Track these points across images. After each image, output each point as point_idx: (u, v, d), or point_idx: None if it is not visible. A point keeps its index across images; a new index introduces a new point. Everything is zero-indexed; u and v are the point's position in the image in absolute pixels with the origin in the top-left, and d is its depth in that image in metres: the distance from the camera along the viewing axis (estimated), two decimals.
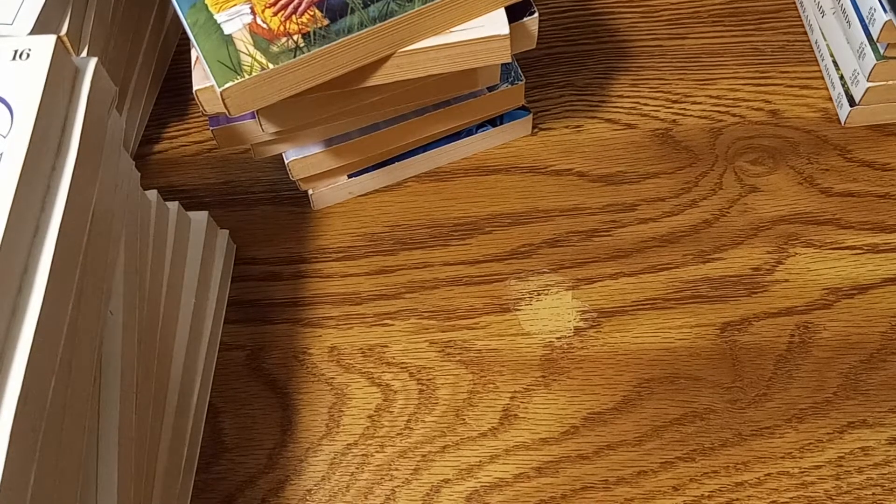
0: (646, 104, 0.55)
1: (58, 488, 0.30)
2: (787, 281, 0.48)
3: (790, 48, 0.57)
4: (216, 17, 0.40)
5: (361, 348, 0.47)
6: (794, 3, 0.58)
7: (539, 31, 0.45)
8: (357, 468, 0.44)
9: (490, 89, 0.50)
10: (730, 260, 0.48)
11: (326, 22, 0.40)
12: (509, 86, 0.51)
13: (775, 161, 0.52)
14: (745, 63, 0.56)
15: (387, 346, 0.47)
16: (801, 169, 0.51)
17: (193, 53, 0.42)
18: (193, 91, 0.42)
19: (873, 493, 0.41)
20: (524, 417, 0.44)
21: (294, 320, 0.49)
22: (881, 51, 0.49)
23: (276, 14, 0.40)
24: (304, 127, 0.46)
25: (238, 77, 0.39)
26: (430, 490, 0.43)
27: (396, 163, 0.52)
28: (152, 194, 0.43)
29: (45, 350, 0.30)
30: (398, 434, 0.44)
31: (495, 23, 0.42)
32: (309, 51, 0.39)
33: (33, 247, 0.31)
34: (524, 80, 0.51)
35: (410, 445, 0.44)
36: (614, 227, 0.50)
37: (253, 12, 0.40)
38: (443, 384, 0.46)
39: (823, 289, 0.47)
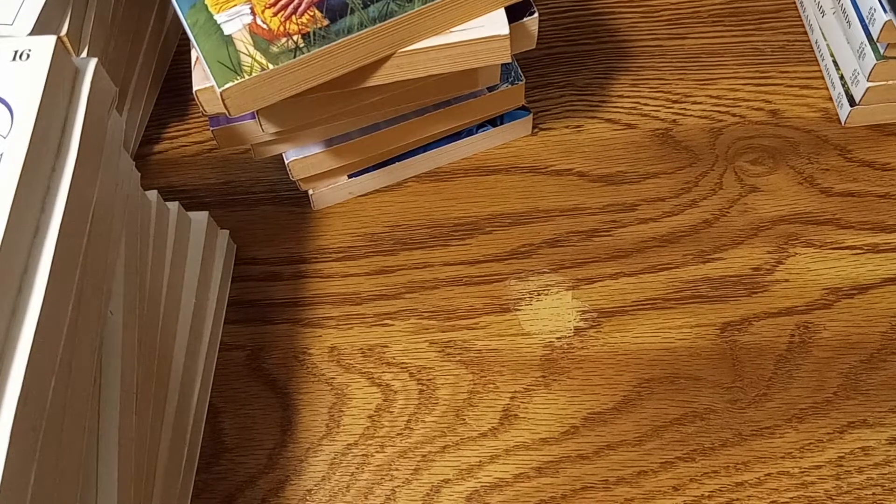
0: (646, 104, 0.55)
1: (58, 488, 0.30)
2: (787, 281, 0.48)
3: (790, 48, 0.57)
4: (216, 17, 0.40)
5: (361, 348, 0.47)
6: (794, 3, 0.58)
7: (539, 31, 0.45)
8: (357, 468, 0.44)
9: (490, 89, 0.50)
10: (730, 260, 0.48)
11: (326, 22, 0.40)
12: (509, 86, 0.51)
13: (775, 161, 0.52)
14: (745, 63, 0.56)
15: (387, 346, 0.47)
16: (802, 169, 0.51)
17: (193, 54, 0.42)
18: (193, 91, 0.42)
19: (873, 493, 0.41)
20: (524, 417, 0.44)
21: (294, 320, 0.49)
22: (881, 51, 0.49)
23: (275, 14, 0.40)
24: (304, 127, 0.46)
25: (238, 77, 0.39)
26: (430, 490, 0.43)
27: (396, 163, 0.52)
28: (152, 194, 0.43)
29: (45, 350, 0.30)
30: (398, 434, 0.44)
31: (495, 23, 0.42)
32: (309, 51, 0.39)
33: (33, 247, 0.31)
34: (524, 80, 0.51)
35: (410, 445, 0.44)
36: (614, 227, 0.50)
37: (253, 13, 0.40)
38: (443, 384, 0.46)
39: (823, 289, 0.47)
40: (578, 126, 0.54)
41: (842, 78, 0.53)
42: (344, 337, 0.48)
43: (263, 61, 0.39)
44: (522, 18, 0.44)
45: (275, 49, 0.39)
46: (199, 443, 0.45)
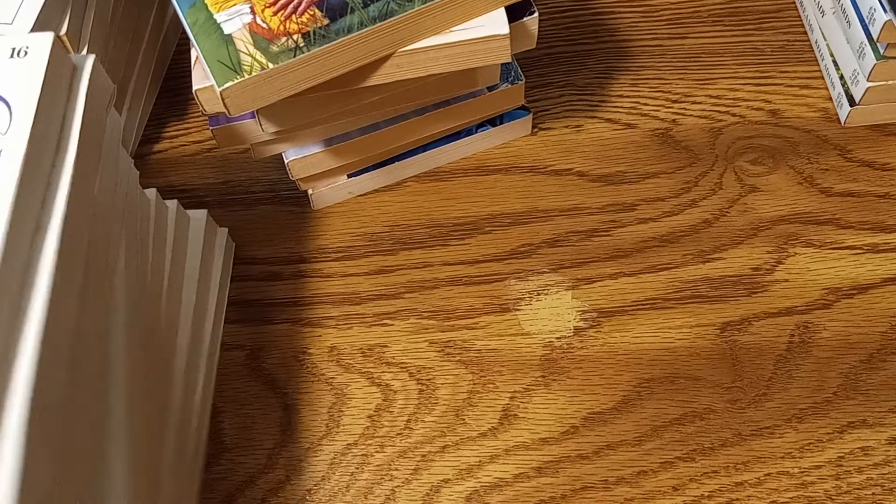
0: (646, 104, 0.55)
1: (67, 488, 0.30)
2: (787, 281, 0.48)
3: (790, 48, 0.57)
4: (216, 16, 0.40)
5: (361, 348, 0.47)
6: (794, 3, 0.59)
7: (539, 31, 0.45)
8: (357, 468, 0.44)
9: (490, 89, 0.50)
10: (730, 260, 0.48)
11: (326, 21, 0.40)
12: (509, 85, 0.51)
13: (775, 161, 0.52)
14: (745, 63, 0.56)
15: (386, 346, 0.47)
16: (801, 169, 0.51)
17: (193, 53, 0.42)
18: (193, 91, 0.42)
19: (873, 493, 0.41)
20: (524, 417, 0.44)
21: (294, 320, 0.48)
22: (881, 51, 0.49)
23: (275, 14, 0.40)
24: (303, 127, 0.46)
25: (238, 77, 0.39)
26: (430, 490, 0.43)
27: (396, 163, 0.52)
28: (151, 192, 0.43)
29: (52, 348, 0.30)
30: (398, 434, 0.44)
31: (495, 22, 0.42)
32: (309, 50, 0.39)
33: (34, 244, 0.31)
34: (524, 80, 0.51)
35: (410, 445, 0.44)
36: (614, 226, 0.50)
37: (253, 12, 0.40)
38: (443, 384, 0.46)
39: (823, 289, 0.47)
40: (578, 126, 0.54)
41: (842, 78, 0.53)
42: (343, 337, 0.48)
43: (263, 60, 0.39)
44: (522, 18, 0.44)
45: (275, 48, 0.39)
46: (204, 442, 0.44)
